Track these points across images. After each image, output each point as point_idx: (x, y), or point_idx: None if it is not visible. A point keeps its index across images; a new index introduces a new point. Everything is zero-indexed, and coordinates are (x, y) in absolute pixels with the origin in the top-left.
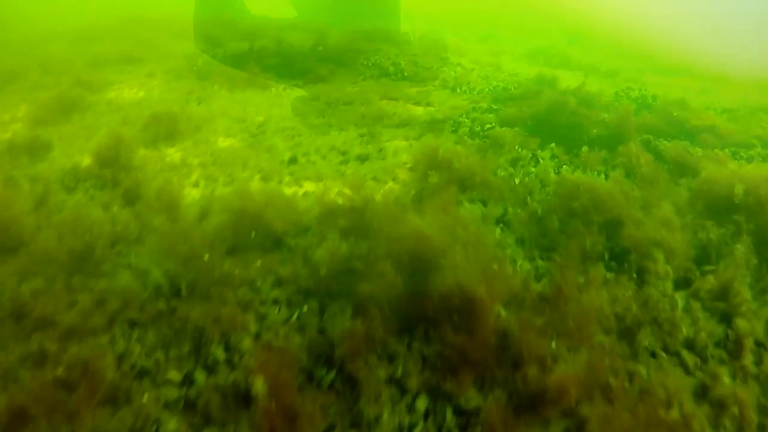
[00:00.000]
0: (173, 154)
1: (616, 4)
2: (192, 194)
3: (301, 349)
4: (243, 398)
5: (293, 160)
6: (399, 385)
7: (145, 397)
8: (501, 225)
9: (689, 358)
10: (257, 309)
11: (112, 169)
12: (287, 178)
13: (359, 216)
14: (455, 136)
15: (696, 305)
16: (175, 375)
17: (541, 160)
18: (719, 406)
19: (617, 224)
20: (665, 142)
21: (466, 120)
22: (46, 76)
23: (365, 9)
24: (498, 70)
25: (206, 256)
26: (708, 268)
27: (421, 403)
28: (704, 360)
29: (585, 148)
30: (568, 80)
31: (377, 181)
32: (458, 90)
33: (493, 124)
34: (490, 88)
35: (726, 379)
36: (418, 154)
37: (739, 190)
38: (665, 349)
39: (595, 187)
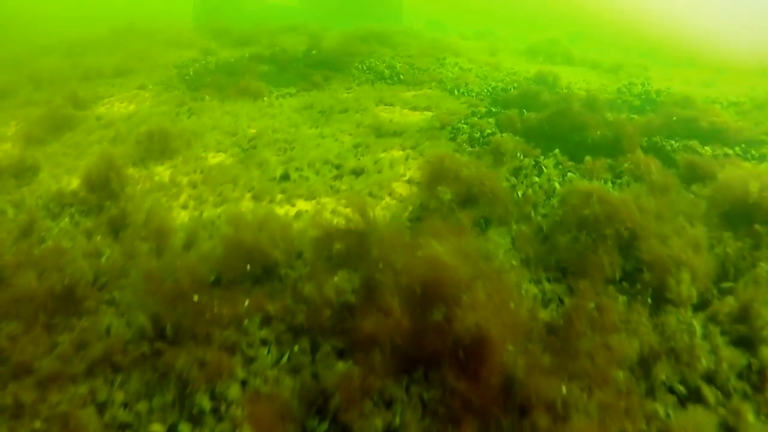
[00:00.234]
0: (162, 172)
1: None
2: (180, 217)
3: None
4: None
5: (285, 177)
6: None
7: None
8: (508, 246)
9: (710, 394)
10: (245, 351)
11: (98, 194)
12: (279, 197)
13: (356, 240)
14: (454, 143)
15: (714, 330)
16: (158, 428)
17: (544, 169)
18: None
19: (631, 239)
20: (673, 143)
21: (464, 126)
22: (37, 92)
23: (369, 6)
24: (496, 69)
25: (195, 297)
26: (726, 285)
27: None
28: (726, 394)
29: (588, 158)
30: (569, 77)
31: (373, 197)
32: (456, 92)
33: (493, 129)
34: (489, 89)
35: (750, 417)
36: (415, 166)
37: (755, 194)
38: (683, 382)
39: (604, 198)
